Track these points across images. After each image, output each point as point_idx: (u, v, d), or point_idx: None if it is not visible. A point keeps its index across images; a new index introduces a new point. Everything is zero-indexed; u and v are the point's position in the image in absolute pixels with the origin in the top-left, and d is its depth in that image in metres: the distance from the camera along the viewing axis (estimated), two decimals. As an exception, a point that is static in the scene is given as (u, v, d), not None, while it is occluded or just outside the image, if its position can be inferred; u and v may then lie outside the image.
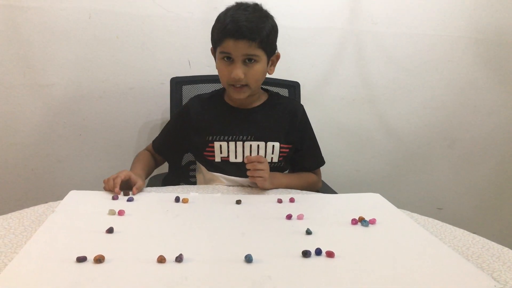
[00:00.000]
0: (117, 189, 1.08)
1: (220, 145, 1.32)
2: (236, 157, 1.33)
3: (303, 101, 1.69)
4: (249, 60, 1.23)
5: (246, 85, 1.26)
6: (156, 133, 1.84)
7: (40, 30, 1.66)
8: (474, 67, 2.05)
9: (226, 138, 1.33)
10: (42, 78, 1.70)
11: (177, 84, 1.64)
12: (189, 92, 1.65)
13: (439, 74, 2.04)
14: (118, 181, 1.10)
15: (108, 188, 1.11)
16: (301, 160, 1.43)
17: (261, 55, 1.24)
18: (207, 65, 1.82)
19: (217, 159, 1.33)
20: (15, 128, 1.73)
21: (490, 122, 2.13)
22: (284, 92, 1.67)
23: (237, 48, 1.21)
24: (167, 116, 1.71)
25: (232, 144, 1.33)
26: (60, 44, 1.69)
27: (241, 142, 1.33)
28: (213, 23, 1.77)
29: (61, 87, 1.73)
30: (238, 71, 1.22)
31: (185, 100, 1.64)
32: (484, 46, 2.02)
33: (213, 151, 1.33)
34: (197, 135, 1.35)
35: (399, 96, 2.03)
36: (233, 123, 1.35)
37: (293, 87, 1.71)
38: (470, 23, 1.98)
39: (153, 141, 1.47)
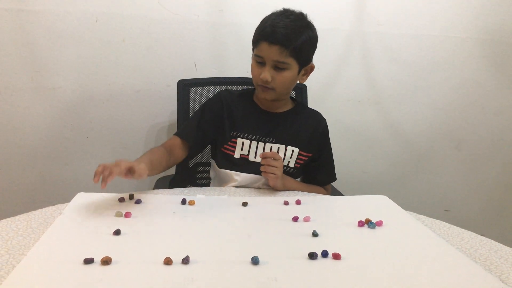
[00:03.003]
0: (103, 185, 0.95)
1: (243, 142, 1.34)
2: (255, 157, 1.34)
3: (309, 103, 1.69)
4: (279, 66, 1.25)
5: (272, 88, 1.28)
6: (163, 135, 1.86)
7: (47, 34, 1.67)
8: (481, 67, 2.04)
9: (250, 136, 1.34)
10: (49, 81, 1.72)
11: (185, 86, 1.64)
12: (196, 95, 1.65)
13: (446, 75, 2.03)
14: (111, 178, 0.96)
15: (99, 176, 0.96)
16: (314, 173, 1.44)
17: (292, 64, 1.26)
18: (213, 67, 1.82)
19: (237, 155, 1.35)
20: (22, 131, 1.74)
21: (497, 123, 2.12)
22: (291, 94, 1.67)
23: (269, 52, 1.23)
24: (174, 118, 1.72)
25: (254, 143, 1.34)
26: (67, 47, 1.70)
27: (263, 143, 1.35)
28: (219, 25, 1.79)
29: (68, 90, 1.74)
30: (267, 74, 1.25)
31: (192, 102, 1.64)
32: (490, 47, 2.01)
33: (235, 147, 1.34)
34: (224, 126, 1.36)
35: (405, 97, 2.03)
36: (259, 123, 1.36)
37: (300, 89, 1.71)
38: (476, 23, 1.97)
39: (178, 131, 1.40)
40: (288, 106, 1.42)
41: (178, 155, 1.34)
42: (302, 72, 1.32)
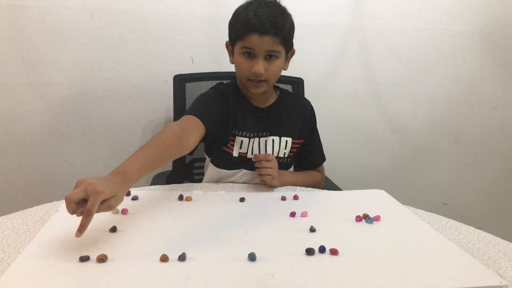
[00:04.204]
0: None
1: (242, 141, 1.32)
2: (252, 153, 1.33)
3: (307, 97, 1.68)
4: (270, 56, 1.22)
5: (265, 80, 1.25)
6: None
7: (42, 30, 1.65)
8: (480, 61, 2.03)
9: (248, 134, 1.32)
10: (46, 78, 1.70)
11: (181, 81, 1.63)
12: (192, 90, 1.64)
13: (444, 68, 2.02)
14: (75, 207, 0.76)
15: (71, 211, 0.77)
16: (307, 156, 1.44)
17: (282, 51, 1.24)
18: (210, 62, 1.81)
19: (235, 153, 1.33)
20: (19, 128, 1.73)
21: (496, 117, 2.11)
22: (288, 88, 1.67)
23: (261, 43, 1.19)
24: (171, 114, 1.71)
25: (251, 140, 1.33)
26: (63, 43, 1.69)
27: (258, 138, 1.33)
28: (216, 19, 1.77)
29: (64, 86, 1.73)
30: (260, 67, 1.21)
31: (188, 97, 1.63)
32: (489, 40, 2.00)
33: (233, 145, 1.32)
34: (227, 124, 1.31)
35: (403, 91, 2.02)
36: (254, 120, 1.34)
37: (297, 83, 1.70)
38: (475, 16, 1.96)
39: (192, 111, 1.21)
40: (274, 96, 1.40)
41: (194, 140, 1.13)
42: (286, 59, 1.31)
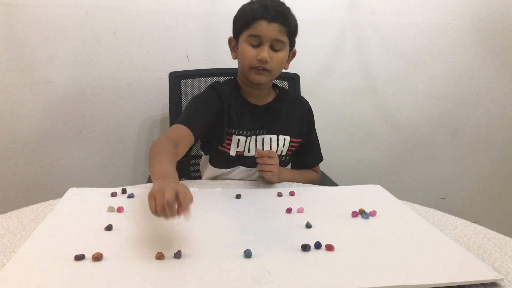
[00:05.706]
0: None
1: (238, 139, 1.31)
2: (249, 151, 1.33)
3: (303, 93, 1.68)
4: (275, 46, 1.23)
5: (268, 70, 1.25)
6: (156, 128, 1.85)
7: (37, 28, 1.65)
8: (476, 55, 2.03)
9: (245, 133, 1.32)
10: (41, 76, 1.70)
11: (176, 78, 1.63)
12: (188, 87, 1.64)
13: (441, 63, 2.02)
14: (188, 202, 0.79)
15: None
16: (304, 155, 1.44)
17: (287, 44, 1.25)
18: (205, 59, 1.81)
19: (232, 153, 1.32)
20: (14, 126, 1.72)
21: (492, 111, 2.12)
22: (284, 84, 1.66)
23: (269, 30, 1.20)
24: (166, 111, 1.71)
25: (248, 139, 1.32)
26: (58, 41, 1.68)
27: (255, 136, 1.33)
28: (211, 16, 1.77)
29: (59, 84, 1.72)
30: (265, 54, 1.21)
31: (184, 95, 1.63)
32: (486, 34, 2.00)
33: (230, 144, 1.32)
34: (222, 123, 1.31)
35: (400, 86, 2.02)
36: (251, 118, 1.34)
37: (293, 79, 1.70)
38: (471, 10, 1.96)
39: (183, 120, 1.23)
40: (272, 95, 1.40)
41: (183, 150, 1.16)
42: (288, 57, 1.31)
